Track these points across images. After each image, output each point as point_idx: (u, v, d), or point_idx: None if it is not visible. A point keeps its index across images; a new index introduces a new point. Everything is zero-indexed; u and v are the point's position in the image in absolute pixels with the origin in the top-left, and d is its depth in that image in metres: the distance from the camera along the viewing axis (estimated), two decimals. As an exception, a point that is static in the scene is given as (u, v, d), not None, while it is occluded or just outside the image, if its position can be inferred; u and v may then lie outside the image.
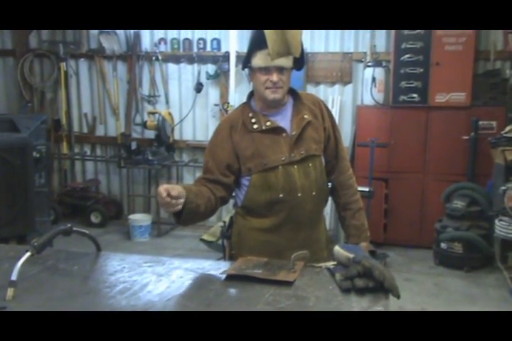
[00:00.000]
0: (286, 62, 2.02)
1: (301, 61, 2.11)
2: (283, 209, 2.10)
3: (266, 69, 2.02)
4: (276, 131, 2.10)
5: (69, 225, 1.90)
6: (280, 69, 2.02)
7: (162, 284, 1.70)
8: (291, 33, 1.96)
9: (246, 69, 2.14)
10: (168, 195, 1.81)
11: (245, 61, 2.10)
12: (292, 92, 2.18)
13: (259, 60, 2.02)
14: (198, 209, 1.96)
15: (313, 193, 2.13)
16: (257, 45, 2.01)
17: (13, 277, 1.58)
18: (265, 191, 2.09)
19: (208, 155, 2.16)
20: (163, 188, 1.81)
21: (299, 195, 2.09)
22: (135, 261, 1.93)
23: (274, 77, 2.01)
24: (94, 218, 5.99)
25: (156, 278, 1.76)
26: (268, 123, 2.09)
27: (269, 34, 1.96)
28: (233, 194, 2.22)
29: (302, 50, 2.07)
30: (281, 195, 2.08)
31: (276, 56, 1.98)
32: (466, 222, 4.67)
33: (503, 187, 4.10)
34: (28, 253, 1.69)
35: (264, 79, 2.03)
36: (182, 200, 1.86)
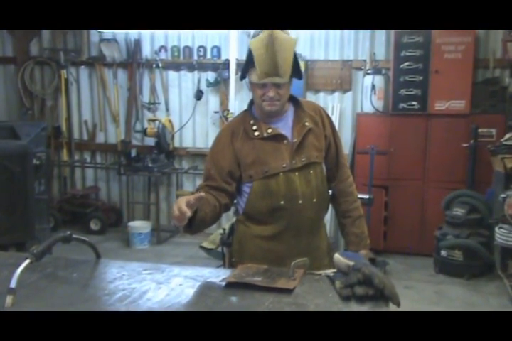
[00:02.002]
0: (283, 79, 2.01)
1: (297, 72, 2.10)
2: (284, 216, 2.10)
3: (263, 85, 2.03)
4: (278, 138, 2.10)
5: (68, 232, 1.90)
6: (277, 85, 2.02)
7: (161, 292, 1.70)
8: (282, 55, 1.97)
9: (240, 83, 2.16)
10: (187, 205, 1.79)
11: (243, 73, 2.11)
12: (293, 99, 2.19)
13: (255, 76, 2.02)
14: (205, 217, 1.96)
15: (314, 200, 2.13)
16: (252, 62, 2.02)
17: (12, 284, 1.58)
18: (266, 198, 2.09)
19: (210, 162, 2.16)
20: (183, 201, 1.79)
21: (300, 202, 2.09)
22: (134, 269, 1.93)
23: (270, 93, 2.02)
24: (94, 225, 5.98)
25: (156, 285, 1.75)
26: (269, 131, 2.09)
27: (258, 55, 1.97)
28: (235, 201, 2.22)
29: (297, 63, 2.07)
30: (282, 202, 2.08)
31: (265, 76, 1.99)
32: (466, 230, 4.67)
33: (503, 195, 4.10)
34: (28, 261, 1.68)
35: (261, 93, 2.04)
36: (189, 214, 1.83)
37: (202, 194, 1.84)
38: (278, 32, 1.97)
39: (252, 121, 2.13)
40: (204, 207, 1.94)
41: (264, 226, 2.13)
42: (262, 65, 1.97)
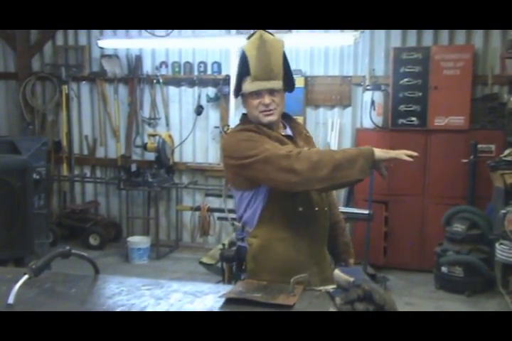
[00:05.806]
0: (276, 84, 2.03)
1: (290, 83, 2.11)
2: (301, 224, 2.07)
3: (257, 93, 2.02)
4: (292, 140, 2.11)
5: (67, 247, 1.89)
6: (271, 92, 2.02)
7: (160, 307, 1.68)
8: (273, 56, 1.99)
9: (239, 97, 2.14)
10: None
11: (236, 89, 2.10)
12: (284, 116, 2.18)
13: (249, 85, 2.03)
14: None
15: (326, 208, 2.14)
16: (246, 70, 2.03)
17: (10, 300, 1.57)
18: (285, 202, 2.05)
19: (265, 144, 1.98)
20: None
21: (316, 208, 2.09)
22: (133, 284, 1.91)
23: (266, 100, 2.02)
24: (93, 240, 5.96)
25: (155, 301, 1.74)
26: (283, 133, 2.11)
27: (251, 56, 1.99)
28: (235, 216, 2.21)
29: (290, 72, 2.09)
30: (300, 209, 2.06)
31: (255, 79, 2.00)
32: (467, 246, 4.65)
33: (503, 211, 4.09)
34: (26, 276, 1.67)
35: (257, 102, 2.03)
36: None
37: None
38: (267, 35, 2.00)
39: (260, 126, 2.07)
40: None
41: (281, 236, 2.07)
42: (255, 67, 1.99)
